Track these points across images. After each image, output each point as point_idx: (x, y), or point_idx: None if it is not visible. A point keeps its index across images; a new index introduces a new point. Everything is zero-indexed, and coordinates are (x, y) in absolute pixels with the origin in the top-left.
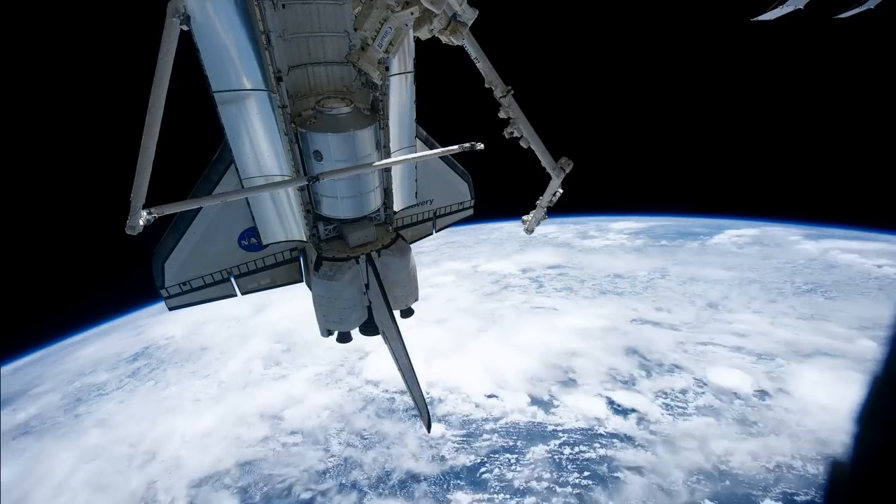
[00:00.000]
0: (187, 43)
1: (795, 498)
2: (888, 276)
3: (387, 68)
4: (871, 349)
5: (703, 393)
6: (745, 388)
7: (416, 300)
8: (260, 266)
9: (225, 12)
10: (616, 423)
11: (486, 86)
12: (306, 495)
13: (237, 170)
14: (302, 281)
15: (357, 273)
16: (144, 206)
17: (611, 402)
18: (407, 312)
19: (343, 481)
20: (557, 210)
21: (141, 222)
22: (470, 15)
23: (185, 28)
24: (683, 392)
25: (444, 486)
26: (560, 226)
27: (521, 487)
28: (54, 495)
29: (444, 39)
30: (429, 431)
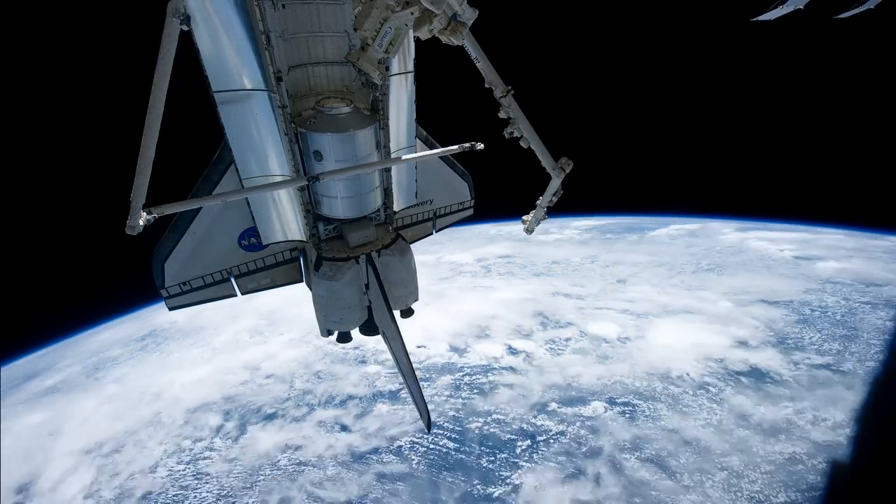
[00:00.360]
0: (187, 43)
1: (615, 399)
2: (784, 258)
3: (387, 68)
4: (727, 308)
5: (581, 339)
6: (612, 335)
7: (417, 300)
8: (260, 266)
9: (225, 12)
10: (508, 361)
11: (486, 86)
12: (270, 411)
13: (237, 170)
14: (302, 281)
15: (357, 273)
16: (144, 206)
17: (509, 348)
18: (407, 312)
19: (299, 403)
20: (554, 210)
21: (141, 222)
22: (470, 15)
23: (185, 28)
24: (567, 340)
25: (371, 402)
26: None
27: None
28: (82, 424)
29: (444, 39)
30: (428, 431)
